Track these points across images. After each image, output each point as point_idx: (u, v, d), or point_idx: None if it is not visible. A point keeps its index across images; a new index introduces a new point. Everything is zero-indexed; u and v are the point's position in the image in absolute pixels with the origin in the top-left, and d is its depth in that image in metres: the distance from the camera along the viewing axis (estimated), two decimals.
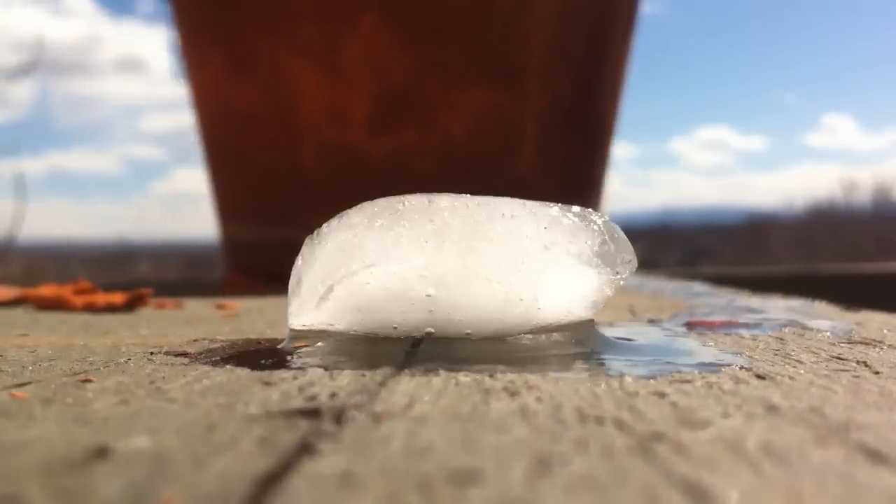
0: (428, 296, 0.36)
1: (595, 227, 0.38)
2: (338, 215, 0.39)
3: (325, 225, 0.39)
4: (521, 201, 0.38)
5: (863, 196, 4.66)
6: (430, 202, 0.37)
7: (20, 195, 1.96)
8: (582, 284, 0.38)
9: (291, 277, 0.40)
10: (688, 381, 0.30)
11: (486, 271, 0.36)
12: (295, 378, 0.31)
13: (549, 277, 0.37)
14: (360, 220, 0.38)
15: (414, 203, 0.37)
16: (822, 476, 0.18)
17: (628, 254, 0.38)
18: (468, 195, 0.38)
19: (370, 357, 0.36)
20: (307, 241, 0.40)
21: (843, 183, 4.68)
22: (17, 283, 0.88)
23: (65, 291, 0.74)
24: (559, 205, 0.38)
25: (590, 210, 0.39)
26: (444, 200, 0.38)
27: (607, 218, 0.39)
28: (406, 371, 0.32)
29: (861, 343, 0.41)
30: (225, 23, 1.27)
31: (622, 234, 0.39)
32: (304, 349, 0.39)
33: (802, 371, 0.32)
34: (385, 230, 0.37)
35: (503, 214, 0.37)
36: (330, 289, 0.38)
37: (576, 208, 0.39)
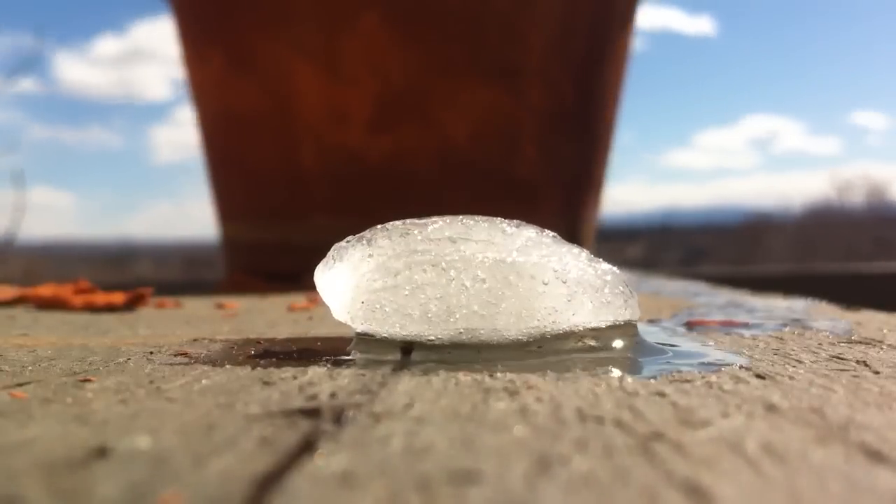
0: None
1: (605, 276, 0.38)
2: (335, 248, 0.37)
3: (330, 255, 0.38)
4: (536, 240, 0.37)
5: (857, 197, 4.70)
6: (450, 239, 0.36)
7: (19, 192, 1.96)
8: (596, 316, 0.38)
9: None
10: (688, 381, 0.30)
11: (507, 308, 0.36)
12: (295, 378, 0.31)
13: (565, 315, 0.37)
14: (376, 262, 0.36)
15: (430, 244, 0.36)
16: (822, 476, 0.18)
17: (632, 301, 0.39)
18: (479, 218, 0.38)
19: (371, 356, 0.36)
20: (317, 273, 0.38)
21: (837, 184, 4.71)
22: (17, 283, 0.88)
23: (65, 291, 0.74)
24: (574, 247, 0.38)
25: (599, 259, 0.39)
26: (465, 239, 0.37)
27: (616, 270, 0.39)
28: (406, 371, 0.32)
29: (861, 343, 0.41)
30: (225, 22, 1.27)
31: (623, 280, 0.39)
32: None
33: (802, 371, 0.32)
34: (403, 280, 0.36)
35: (517, 247, 0.37)
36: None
37: (589, 254, 0.38)
